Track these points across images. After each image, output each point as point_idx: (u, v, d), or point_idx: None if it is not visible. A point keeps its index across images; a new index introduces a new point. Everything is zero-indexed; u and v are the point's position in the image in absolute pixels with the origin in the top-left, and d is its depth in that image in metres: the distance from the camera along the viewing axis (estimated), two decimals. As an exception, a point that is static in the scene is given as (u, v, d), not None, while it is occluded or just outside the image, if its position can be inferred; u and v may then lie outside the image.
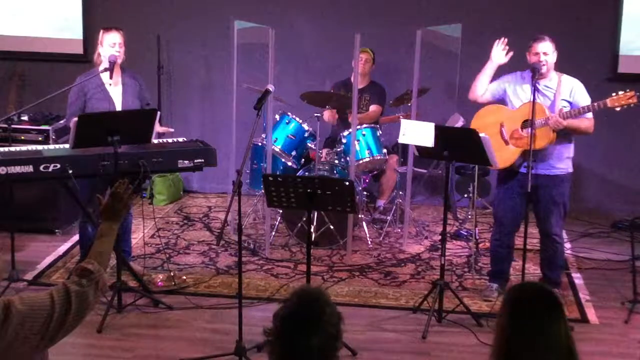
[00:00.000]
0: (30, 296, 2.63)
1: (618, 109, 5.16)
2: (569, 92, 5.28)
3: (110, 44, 5.50)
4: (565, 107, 5.25)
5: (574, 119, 5.20)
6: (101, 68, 5.49)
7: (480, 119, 5.51)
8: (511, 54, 5.42)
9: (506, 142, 5.36)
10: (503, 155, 5.26)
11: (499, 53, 5.43)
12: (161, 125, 5.82)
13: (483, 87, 5.46)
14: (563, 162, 5.36)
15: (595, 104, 5.16)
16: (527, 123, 5.22)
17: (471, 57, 6.95)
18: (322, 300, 2.49)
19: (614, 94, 5.15)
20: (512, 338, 2.50)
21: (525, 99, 5.29)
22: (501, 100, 5.47)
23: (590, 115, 5.24)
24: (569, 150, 5.38)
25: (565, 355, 2.49)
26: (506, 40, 5.43)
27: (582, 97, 5.28)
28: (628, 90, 5.13)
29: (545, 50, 5.24)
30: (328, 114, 6.97)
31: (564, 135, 5.27)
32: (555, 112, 5.19)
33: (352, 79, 6.68)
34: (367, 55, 7.01)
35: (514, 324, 2.51)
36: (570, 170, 5.42)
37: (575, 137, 5.42)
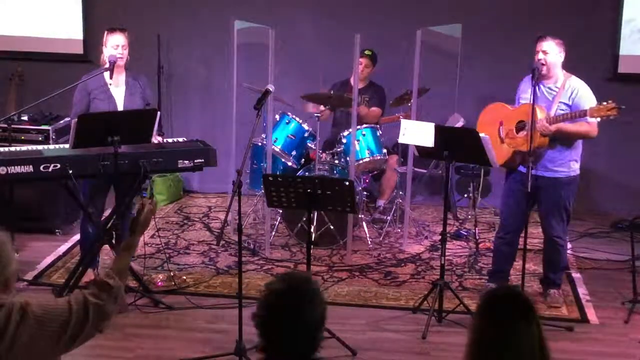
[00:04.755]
0: (48, 301, 2.68)
1: (598, 119, 5.09)
2: (569, 95, 5.23)
3: (113, 46, 5.50)
4: (563, 110, 5.22)
5: (566, 124, 5.16)
6: (103, 68, 5.50)
7: (485, 114, 5.55)
8: None
9: (502, 140, 5.37)
10: (497, 153, 5.25)
11: None
12: (160, 130, 5.83)
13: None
14: (562, 165, 5.31)
15: (576, 112, 5.13)
16: (521, 124, 5.26)
17: (471, 57, 6.98)
18: (312, 281, 2.59)
19: (596, 104, 5.09)
20: (484, 341, 2.55)
21: (528, 99, 5.28)
22: None
23: (591, 119, 5.16)
24: (571, 153, 5.32)
25: (539, 358, 2.52)
26: None
27: (585, 101, 5.19)
28: (610, 101, 5.04)
29: (545, 49, 5.21)
30: (326, 113, 6.96)
31: (562, 139, 5.25)
32: (552, 115, 5.19)
33: (351, 80, 6.68)
34: (366, 61, 6.99)
35: (485, 327, 2.56)
36: (574, 173, 5.35)
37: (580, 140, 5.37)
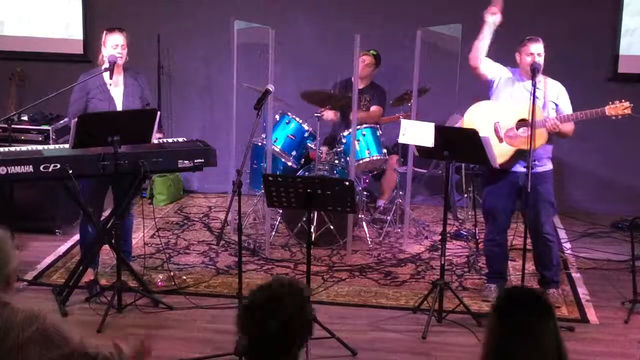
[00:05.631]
0: (66, 328, 2.69)
1: (614, 117, 5.21)
2: (556, 95, 5.35)
3: (113, 46, 5.49)
4: (553, 109, 5.33)
5: (566, 123, 5.27)
6: (102, 68, 5.50)
7: (474, 114, 5.50)
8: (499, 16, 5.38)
9: (500, 140, 5.36)
10: (496, 153, 5.24)
11: (494, 14, 5.39)
12: (160, 129, 5.83)
13: (484, 52, 5.43)
14: (545, 160, 5.41)
15: (594, 110, 5.19)
16: (522, 123, 5.27)
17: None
18: (291, 284, 2.61)
19: (611, 103, 5.19)
20: (501, 340, 2.53)
21: (518, 97, 5.31)
22: (489, 83, 5.47)
23: (589, 118, 5.29)
24: (550, 149, 5.43)
25: (556, 358, 2.52)
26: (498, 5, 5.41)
27: (566, 102, 5.36)
28: (624, 100, 5.19)
29: (539, 52, 5.28)
30: (330, 114, 6.97)
31: (554, 137, 5.35)
32: (546, 113, 5.23)
33: (353, 79, 6.68)
34: (369, 59, 7.00)
35: (503, 327, 2.54)
36: (552, 167, 5.47)
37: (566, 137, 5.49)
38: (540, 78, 5.32)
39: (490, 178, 5.51)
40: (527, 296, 2.60)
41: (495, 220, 5.52)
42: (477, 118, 5.44)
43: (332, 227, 6.37)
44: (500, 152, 5.29)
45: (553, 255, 5.56)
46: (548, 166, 5.43)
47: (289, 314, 2.52)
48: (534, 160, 5.24)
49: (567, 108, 5.34)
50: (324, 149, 6.73)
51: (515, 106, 5.33)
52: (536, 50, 5.26)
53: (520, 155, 5.31)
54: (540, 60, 5.25)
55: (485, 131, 5.24)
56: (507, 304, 2.58)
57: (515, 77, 5.38)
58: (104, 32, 5.59)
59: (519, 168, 5.31)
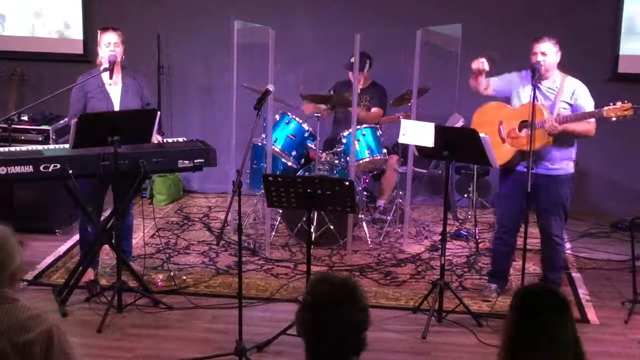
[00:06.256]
0: (72, 350, 2.66)
1: (614, 119, 5.12)
2: (570, 94, 5.26)
3: (106, 44, 5.51)
4: (565, 109, 5.25)
5: (571, 123, 5.18)
6: (102, 68, 5.50)
7: (481, 115, 5.52)
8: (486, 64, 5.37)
9: (503, 140, 5.36)
10: (498, 153, 5.25)
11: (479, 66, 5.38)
12: (160, 129, 5.83)
13: (483, 85, 5.44)
14: (561, 163, 5.34)
15: (591, 112, 5.15)
16: (525, 123, 5.23)
17: (471, 57, 6.95)
18: (351, 284, 2.61)
19: (611, 104, 5.11)
20: (518, 338, 2.52)
21: (525, 99, 5.30)
22: (506, 98, 5.46)
23: (591, 118, 5.21)
24: (569, 152, 5.35)
25: (573, 355, 2.51)
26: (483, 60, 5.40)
27: (585, 101, 5.25)
28: (625, 101, 5.11)
29: (544, 51, 5.23)
30: (310, 107, 6.90)
31: (564, 138, 5.26)
32: (555, 114, 5.20)
33: (352, 79, 6.67)
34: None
35: (521, 324, 2.53)
36: (571, 171, 5.40)
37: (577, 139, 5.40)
38: (556, 77, 5.28)
39: (501, 178, 5.52)
40: (545, 294, 2.59)
41: (505, 221, 5.53)
42: (483, 119, 5.45)
43: (332, 227, 6.37)
44: (501, 153, 5.29)
45: (559, 258, 5.57)
46: (564, 169, 5.35)
47: (358, 309, 2.57)
48: (545, 161, 5.24)
49: (586, 106, 5.22)
50: (324, 154, 6.71)
51: (520, 107, 5.31)
52: (540, 49, 5.23)
53: (521, 155, 5.30)
54: (545, 59, 5.20)
55: (489, 132, 5.23)
56: (526, 302, 2.57)
57: (525, 80, 5.33)
58: (99, 31, 5.61)
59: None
